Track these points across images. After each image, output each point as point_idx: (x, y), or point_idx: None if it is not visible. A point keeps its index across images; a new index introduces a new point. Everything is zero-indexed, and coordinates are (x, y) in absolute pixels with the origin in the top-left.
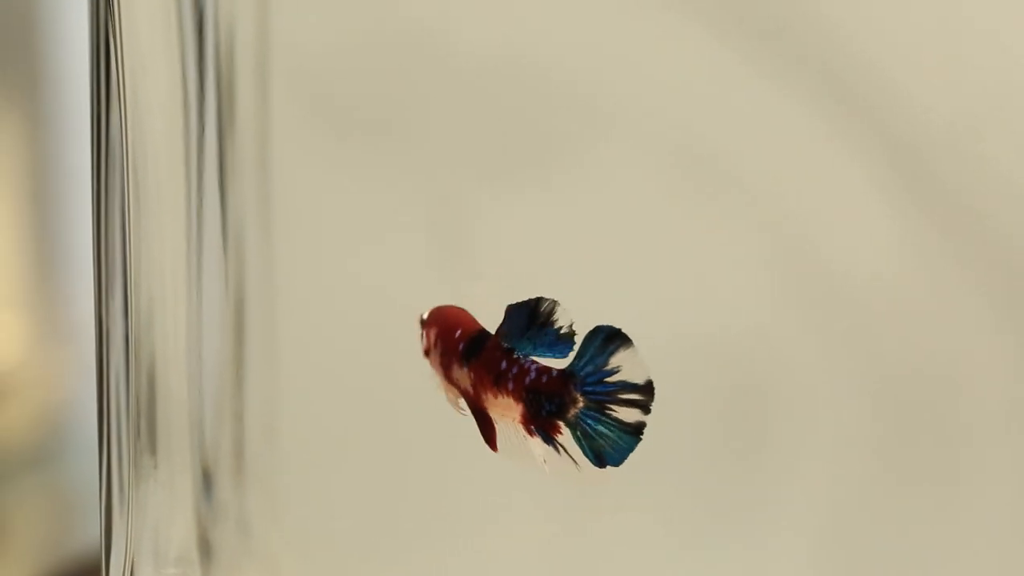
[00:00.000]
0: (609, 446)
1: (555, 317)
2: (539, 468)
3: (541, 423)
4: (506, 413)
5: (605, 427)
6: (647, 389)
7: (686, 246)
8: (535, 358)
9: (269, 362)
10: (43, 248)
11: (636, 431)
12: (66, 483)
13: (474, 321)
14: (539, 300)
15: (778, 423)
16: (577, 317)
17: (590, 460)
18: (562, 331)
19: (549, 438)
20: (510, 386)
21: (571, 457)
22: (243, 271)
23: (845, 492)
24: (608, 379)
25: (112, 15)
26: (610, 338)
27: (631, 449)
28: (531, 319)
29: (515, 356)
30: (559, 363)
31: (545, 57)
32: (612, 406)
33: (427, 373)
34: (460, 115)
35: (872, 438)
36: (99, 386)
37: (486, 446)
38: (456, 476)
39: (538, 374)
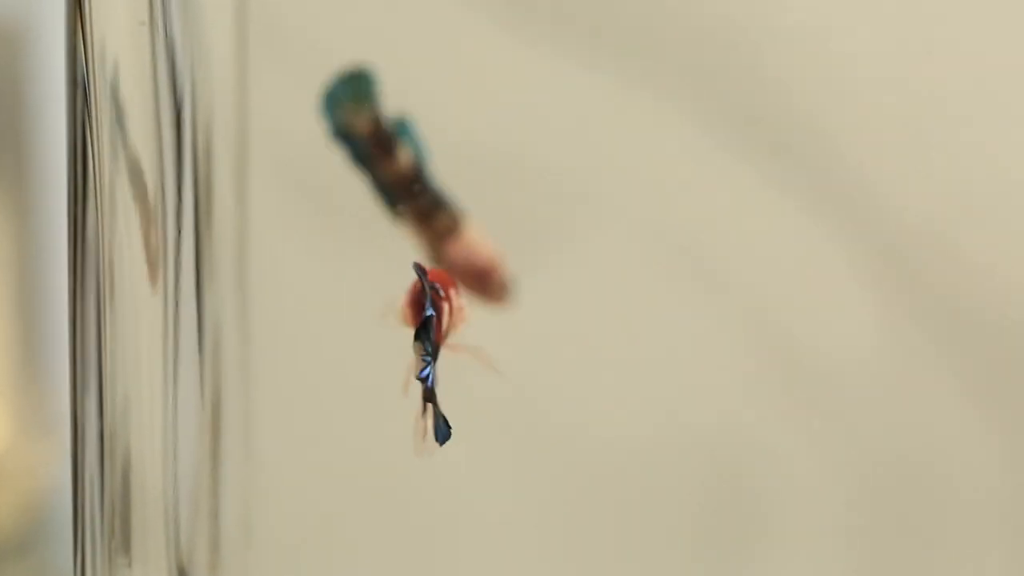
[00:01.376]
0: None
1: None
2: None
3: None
4: None
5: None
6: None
7: (667, 339)
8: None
9: (246, 461)
10: (28, 338)
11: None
12: (49, 571)
13: (439, 278)
14: None
15: (761, 517)
16: (556, 407)
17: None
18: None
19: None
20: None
21: (425, 424)
22: (220, 369)
23: None
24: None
25: (89, 111)
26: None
27: (447, 438)
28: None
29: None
30: None
31: (530, 149)
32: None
33: (410, 476)
34: None
35: (856, 528)
36: (73, 484)
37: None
38: (442, 572)
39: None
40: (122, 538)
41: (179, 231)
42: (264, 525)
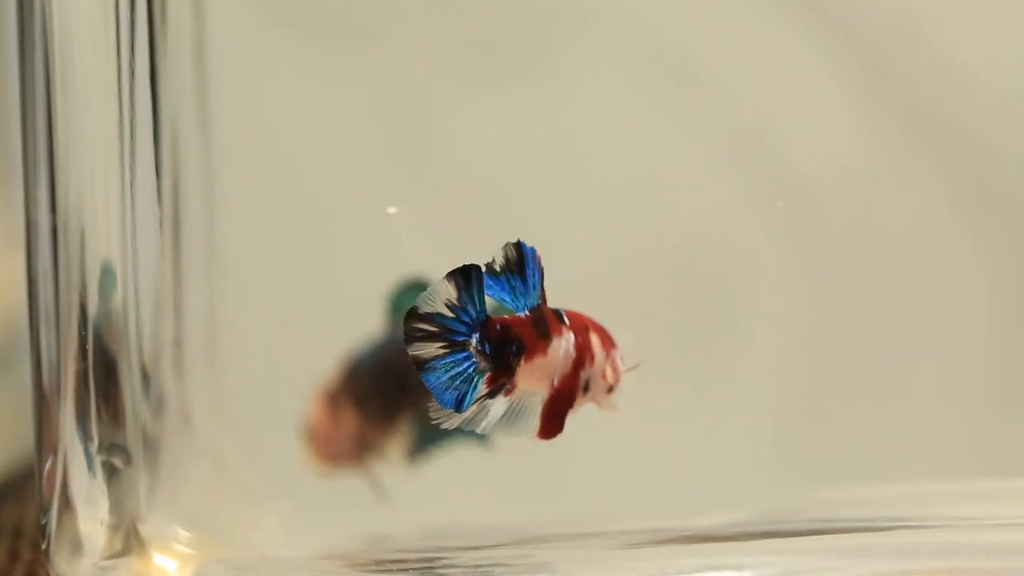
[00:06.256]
0: None
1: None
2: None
3: None
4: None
5: None
6: None
7: (653, 139)
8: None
9: (208, 254)
10: (3, 153)
11: None
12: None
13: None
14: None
15: (737, 292)
16: (545, 216)
17: None
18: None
19: None
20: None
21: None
22: (179, 161)
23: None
24: None
25: None
26: None
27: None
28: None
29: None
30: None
31: None
32: None
33: (365, 263)
34: (422, 8)
35: (819, 301)
36: (28, 282)
37: None
38: None
39: None
40: (79, 331)
41: (132, 9)
42: (228, 319)
